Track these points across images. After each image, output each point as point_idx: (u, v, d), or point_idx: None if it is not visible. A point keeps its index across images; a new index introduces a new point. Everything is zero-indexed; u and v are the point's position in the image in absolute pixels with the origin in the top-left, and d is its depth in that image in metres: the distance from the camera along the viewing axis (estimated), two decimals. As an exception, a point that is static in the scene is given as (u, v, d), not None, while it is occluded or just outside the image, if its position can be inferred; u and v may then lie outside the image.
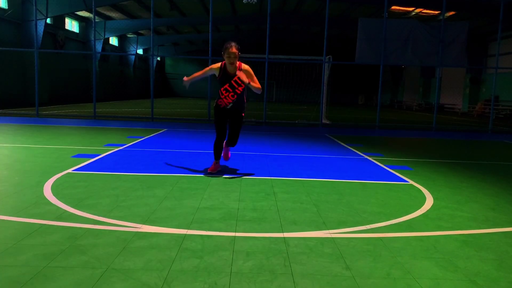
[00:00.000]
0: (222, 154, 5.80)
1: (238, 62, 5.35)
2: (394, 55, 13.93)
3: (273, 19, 23.35)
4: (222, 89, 5.41)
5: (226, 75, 5.37)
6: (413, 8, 23.40)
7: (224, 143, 5.69)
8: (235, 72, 5.32)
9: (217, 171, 5.59)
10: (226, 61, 5.31)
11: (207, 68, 5.53)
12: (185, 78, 5.54)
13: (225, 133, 5.54)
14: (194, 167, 5.92)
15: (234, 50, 5.22)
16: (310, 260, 2.85)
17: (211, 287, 2.42)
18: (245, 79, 5.25)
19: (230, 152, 6.01)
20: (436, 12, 23.66)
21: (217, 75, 5.44)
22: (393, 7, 22.52)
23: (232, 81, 5.36)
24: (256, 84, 5.40)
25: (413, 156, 7.92)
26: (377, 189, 5.02)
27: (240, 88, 5.39)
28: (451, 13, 22.71)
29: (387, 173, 6.05)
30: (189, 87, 5.78)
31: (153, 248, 2.95)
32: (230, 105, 5.44)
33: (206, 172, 5.54)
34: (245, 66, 5.39)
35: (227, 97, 5.40)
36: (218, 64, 5.43)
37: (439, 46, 13.71)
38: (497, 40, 13.81)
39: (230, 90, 5.38)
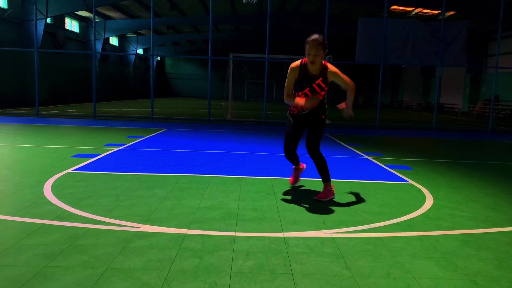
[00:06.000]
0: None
1: (324, 61, 4.20)
2: (394, 55, 13.93)
3: (273, 19, 23.35)
4: (300, 93, 4.25)
5: (306, 77, 4.20)
6: (413, 8, 23.40)
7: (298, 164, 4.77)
8: (319, 73, 4.17)
9: (299, 176, 4.92)
10: (307, 59, 4.15)
11: (289, 76, 4.24)
12: (300, 103, 4.15)
13: (295, 145, 4.48)
14: (194, 167, 5.92)
15: (314, 43, 4.02)
16: (310, 260, 2.85)
17: (211, 287, 2.42)
18: (314, 102, 4.10)
19: (330, 191, 4.46)
20: (436, 12, 23.66)
21: (295, 76, 4.22)
22: (393, 7, 22.51)
23: (314, 85, 4.19)
24: (351, 91, 4.31)
25: (413, 156, 7.92)
26: (377, 189, 5.02)
27: (322, 93, 4.26)
28: (451, 13, 22.72)
29: (387, 173, 6.05)
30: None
31: (153, 247, 2.95)
32: (307, 111, 4.32)
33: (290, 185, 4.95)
34: (332, 68, 4.19)
35: None
36: (298, 63, 4.22)
37: (439, 46, 13.71)
38: (497, 40, 13.81)
39: (310, 95, 4.22)
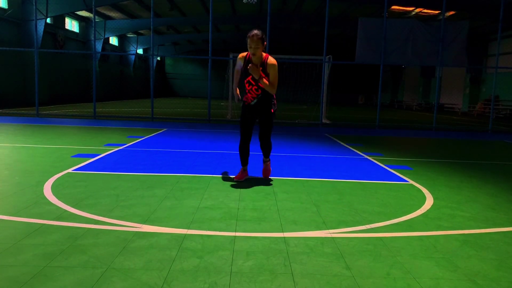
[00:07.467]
0: (262, 170, 5.35)
1: (265, 54, 4.80)
2: (394, 55, 13.93)
3: (273, 19, 23.34)
4: (245, 81, 4.89)
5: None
6: (413, 8, 23.39)
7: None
8: (259, 63, 4.78)
9: (245, 178, 5.19)
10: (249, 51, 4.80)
11: (236, 64, 4.98)
12: (236, 96, 5.15)
13: (249, 135, 5.07)
14: (194, 167, 5.92)
15: (253, 38, 4.65)
16: (310, 260, 2.85)
17: (211, 287, 2.42)
18: (255, 73, 4.69)
19: (270, 166, 5.32)
20: (436, 12, 23.64)
21: (241, 64, 4.91)
22: (393, 7, 22.50)
23: None
24: (270, 84, 4.79)
25: (413, 156, 7.92)
26: (377, 189, 5.02)
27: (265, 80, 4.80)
28: (451, 13, 22.70)
29: (387, 173, 6.05)
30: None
31: (153, 247, 2.95)
32: (255, 100, 4.91)
33: (233, 179, 5.16)
34: (271, 60, 4.78)
35: (250, 91, 4.89)
36: (245, 54, 4.89)
37: (439, 46, 13.71)
38: (497, 40, 13.81)
39: (253, 83, 4.85)
